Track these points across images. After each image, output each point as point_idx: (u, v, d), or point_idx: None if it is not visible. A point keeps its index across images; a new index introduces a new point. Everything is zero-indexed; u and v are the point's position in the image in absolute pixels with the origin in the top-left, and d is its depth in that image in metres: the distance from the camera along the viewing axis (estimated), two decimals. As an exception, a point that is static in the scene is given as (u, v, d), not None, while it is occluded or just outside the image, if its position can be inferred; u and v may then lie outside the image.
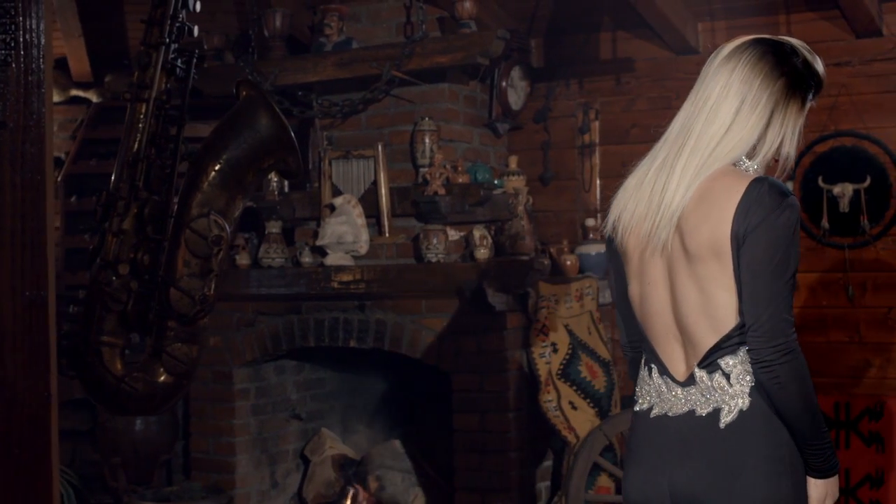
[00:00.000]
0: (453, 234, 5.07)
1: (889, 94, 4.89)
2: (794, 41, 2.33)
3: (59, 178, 5.92)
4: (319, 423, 5.78)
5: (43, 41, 1.93)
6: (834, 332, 4.96)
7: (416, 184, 5.11)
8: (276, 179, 5.41)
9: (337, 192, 5.26)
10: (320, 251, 5.22)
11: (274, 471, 5.58)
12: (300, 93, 5.35)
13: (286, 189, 5.64)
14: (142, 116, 2.41)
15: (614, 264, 2.41)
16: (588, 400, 4.87)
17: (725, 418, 2.20)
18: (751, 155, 2.26)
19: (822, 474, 2.21)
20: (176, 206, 2.38)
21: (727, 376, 2.20)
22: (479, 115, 5.40)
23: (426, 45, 5.00)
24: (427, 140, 5.05)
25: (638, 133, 5.31)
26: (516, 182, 5.24)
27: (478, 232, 5.00)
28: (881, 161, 4.87)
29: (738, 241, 2.13)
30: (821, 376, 4.93)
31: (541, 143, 5.55)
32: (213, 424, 5.43)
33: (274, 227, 5.33)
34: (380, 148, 5.15)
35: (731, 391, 2.19)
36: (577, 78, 5.49)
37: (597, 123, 5.44)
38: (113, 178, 2.36)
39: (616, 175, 5.37)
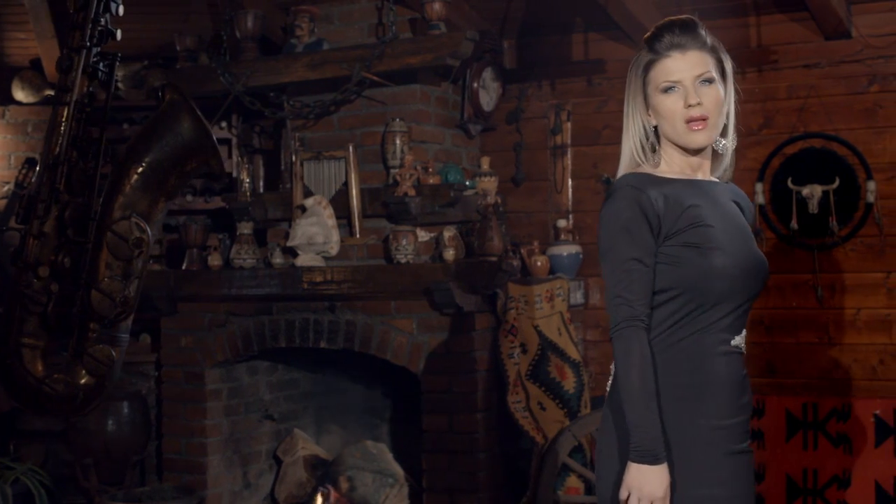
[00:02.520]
0: (423, 235, 5.07)
1: (858, 96, 4.90)
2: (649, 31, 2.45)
3: (33, 178, 5.91)
4: (293, 423, 5.78)
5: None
6: (803, 333, 4.97)
7: (387, 185, 5.12)
8: (248, 180, 5.41)
9: (308, 193, 5.27)
10: (292, 252, 5.23)
11: (246, 471, 5.58)
12: (272, 94, 5.36)
13: (260, 190, 5.66)
14: (63, 120, 2.41)
15: None
16: (557, 401, 4.87)
17: (608, 390, 2.41)
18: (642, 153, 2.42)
19: (632, 455, 2.24)
20: (99, 209, 2.38)
21: None
22: (451, 116, 5.41)
23: (396, 47, 5.01)
24: (398, 141, 5.06)
25: (610, 134, 5.32)
26: (488, 183, 5.24)
27: (448, 233, 5.01)
28: (850, 162, 4.88)
29: None
30: (790, 377, 4.95)
31: (513, 144, 5.56)
32: (185, 425, 5.43)
33: (245, 228, 5.33)
34: (351, 149, 5.16)
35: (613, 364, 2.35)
36: (550, 79, 5.50)
37: (569, 124, 5.45)
38: (34, 181, 2.36)
39: (588, 176, 5.43)
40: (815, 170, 4.92)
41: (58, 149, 2.37)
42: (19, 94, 6.34)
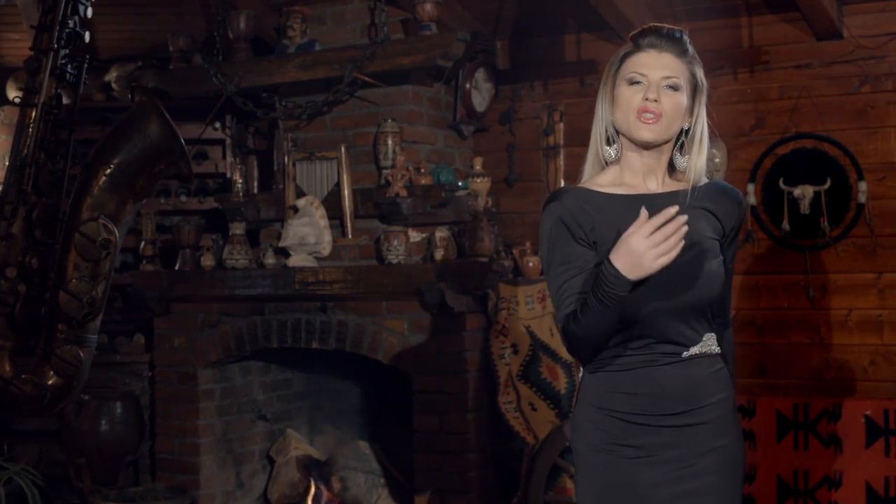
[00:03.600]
0: (415, 236, 5.08)
1: (849, 97, 4.90)
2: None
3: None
4: (286, 423, 5.79)
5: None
6: (795, 334, 4.97)
7: (378, 185, 5.13)
8: (240, 181, 5.42)
9: (301, 194, 5.27)
10: (284, 252, 5.23)
11: (239, 471, 5.59)
12: (264, 94, 5.36)
13: (255, 190, 5.67)
14: (31, 121, 2.42)
15: None
16: (548, 401, 4.87)
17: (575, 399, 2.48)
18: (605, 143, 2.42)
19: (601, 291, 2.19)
20: (67, 210, 2.39)
21: None
22: (444, 116, 5.41)
23: (387, 48, 5.02)
24: (390, 142, 5.06)
25: (602, 135, 5.31)
26: (481, 184, 5.24)
27: (439, 233, 5.02)
28: (841, 163, 4.88)
29: None
30: (781, 378, 4.95)
31: (506, 144, 5.56)
32: (178, 425, 5.44)
33: (238, 229, 5.34)
34: (343, 149, 5.17)
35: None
36: (542, 80, 5.50)
37: (561, 125, 5.45)
38: (2, 182, 2.37)
39: (580, 177, 5.43)
40: (807, 170, 4.92)
41: (26, 150, 2.38)
42: (14, 95, 6.34)
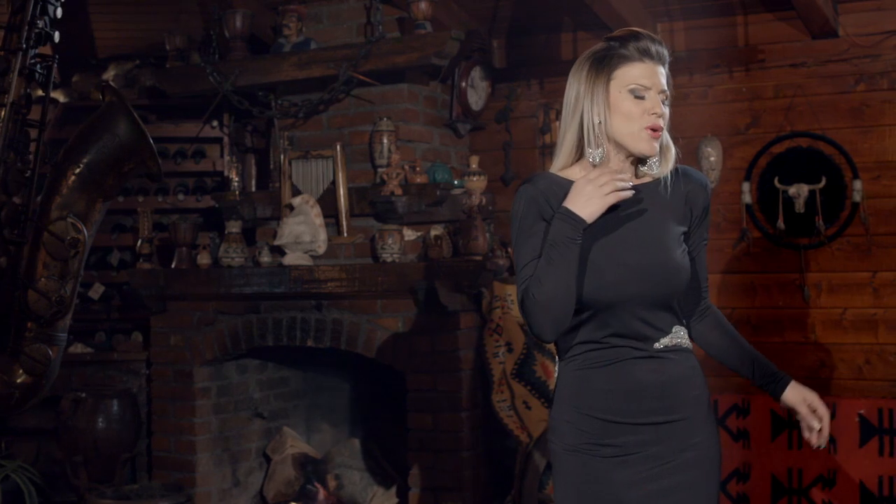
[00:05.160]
0: (410, 234, 5.08)
1: (844, 95, 4.89)
2: (614, 32, 2.46)
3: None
4: (283, 421, 5.80)
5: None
6: (790, 333, 4.97)
7: (374, 184, 5.13)
8: (237, 179, 5.43)
9: (297, 192, 5.28)
10: (280, 251, 5.24)
11: (236, 469, 5.60)
12: (260, 93, 5.37)
13: (253, 188, 5.68)
14: (0, 121, 2.43)
15: None
16: (542, 399, 4.87)
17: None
18: (588, 143, 2.40)
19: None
20: (37, 209, 2.40)
21: None
22: (440, 115, 5.42)
23: (382, 46, 5.02)
24: (385, 140, 5.07)
25: (598, 133, 5.31)
26: (477, 182, 5.24)
27: (434, 232, 5.02)
28: (836, 162, 4.87)
29: None
30: (775, 377, 4.94)
31: (502, 143, 5.57)
32: (174, 423, 5.46)
33: (234, 227, 5.35)
34: (338, 148, 5.17)
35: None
36: (538, 78, 5.51)
37: (557, 123, 5.44)
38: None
39: (576, 175, 5.42)
40: (802, 169, 4.91)
41: (-6, 150, 2.39)
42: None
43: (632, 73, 2.36)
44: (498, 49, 5.59)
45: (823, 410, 2.48)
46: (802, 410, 2.48)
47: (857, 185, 4.81)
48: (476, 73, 5.41)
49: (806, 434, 2.49)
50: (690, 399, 2.39)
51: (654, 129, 2.36)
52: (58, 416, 5.55)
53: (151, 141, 2.53)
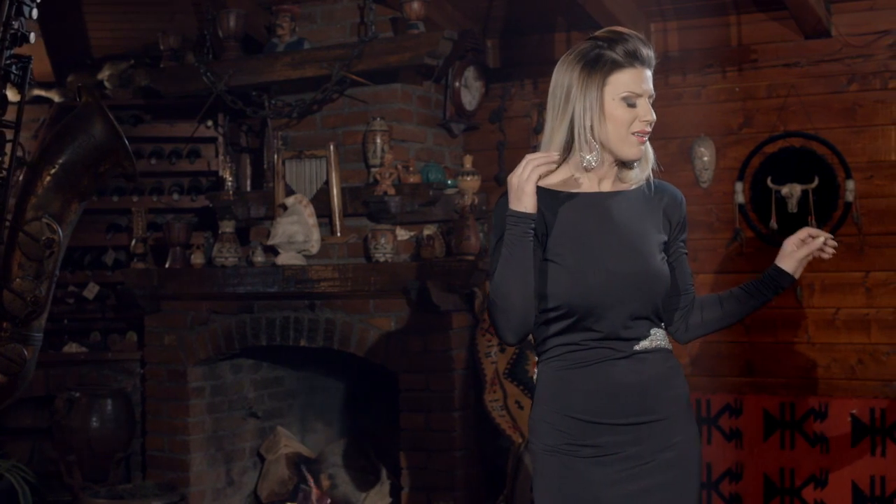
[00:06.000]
0: (403, 234, 5.09)
1: (837, 95, 4.89)
2: (600, 32, 2.46)
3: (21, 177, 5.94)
4: (277, 421, 5.80)
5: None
6: (782, 333, 4.97)
7: (367, 184, 5.14)
8: (231, 179, 5.44)
9: (290, 192, 5.29)
10: (273, 251, 5.25)
11: (230, 469, 5.60)
12: (254, 93, 5.38)
13: (248, 188, 5.68)
14: None
15: None
16: (535, 399, 4.88)
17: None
18: (581, 147, 2.39)
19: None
20: (12, 210, 2.41)
21: None
22: (434, 115, 5.42)
23: (375, 46, 5.03)
24: (378, 140, 5.08)
25: (591, 133, 5.31)
26: (471, 182, 5.25)
27: (427, 231, 5.02)
28: (829, 162, 4.87)
29: None
30: (769, 376, 4.95)
31: (496, 143, 5.57)
32: (168, 423, 5.46)
33: (227, 227, 5.36)
34: (331, 148, 5.18)
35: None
36: (532, 78, 5.51)
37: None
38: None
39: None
40: (795, 169, 4.91)
41: (-32, 150, 2.40)
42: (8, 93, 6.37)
43: (623, 80, 2.36)
44: (492, 49, 5.60)
45: (807, 232, 2.52)
46: (803, 251, 2.53)
47: (850, 184, 4.81)
48: (470, 72, 5.41)
49: (820, 255, 2.52)
50: (670, 399, 2.40)
51: (641, 133, 2.39)
52: (52, 415, 5.56)
53: (126, 142, 2.54)
